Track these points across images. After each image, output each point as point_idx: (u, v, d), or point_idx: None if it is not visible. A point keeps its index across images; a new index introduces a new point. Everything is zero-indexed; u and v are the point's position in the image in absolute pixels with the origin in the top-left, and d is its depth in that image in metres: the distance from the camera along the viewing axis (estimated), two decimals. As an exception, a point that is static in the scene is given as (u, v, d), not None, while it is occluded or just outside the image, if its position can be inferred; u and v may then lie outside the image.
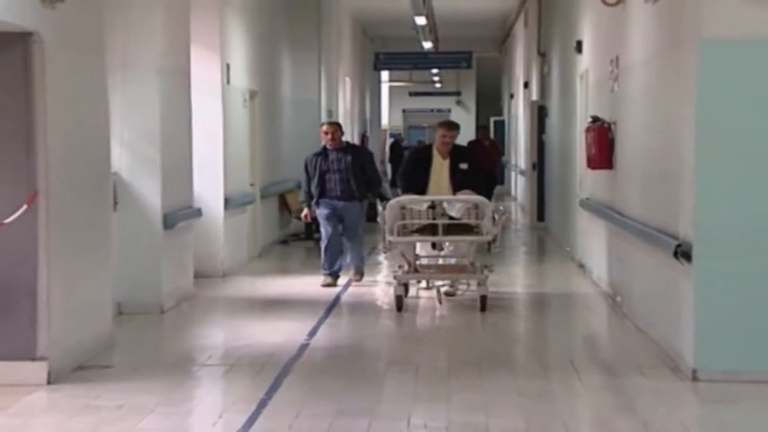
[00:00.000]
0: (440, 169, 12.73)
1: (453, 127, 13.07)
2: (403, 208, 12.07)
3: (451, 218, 11.97)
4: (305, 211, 14.92)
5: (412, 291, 12.86)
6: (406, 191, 12.76)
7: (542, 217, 23.54)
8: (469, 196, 12.20)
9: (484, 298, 12.04)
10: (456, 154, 12.97)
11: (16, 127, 8.74)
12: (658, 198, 10.51)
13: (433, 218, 12.02)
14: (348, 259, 14.73)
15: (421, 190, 12.61)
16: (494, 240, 12.19)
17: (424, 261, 12.96)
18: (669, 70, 10.06)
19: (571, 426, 8.14)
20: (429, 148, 13.08)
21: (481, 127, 29.66)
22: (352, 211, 14.38)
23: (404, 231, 12.04)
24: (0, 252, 8.64)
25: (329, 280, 14.25)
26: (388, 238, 12.11)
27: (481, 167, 13.76)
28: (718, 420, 7.94)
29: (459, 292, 12.98)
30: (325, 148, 14.46)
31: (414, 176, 12.84)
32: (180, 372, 9.81)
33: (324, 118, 22.90)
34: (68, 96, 9.23)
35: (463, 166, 12.76)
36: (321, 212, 14.40)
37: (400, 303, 12.08)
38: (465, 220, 12.02)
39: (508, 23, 33.11)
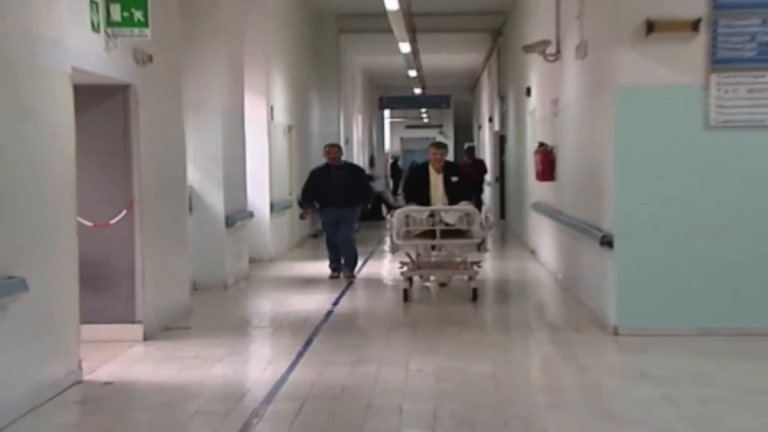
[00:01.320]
0: (436, 181, 11.81)
1: (441, 146, 12.33)
2: (407, 216, 11.04)
3: (447, 225, 11.01)
4: (302, 211, 14.06)
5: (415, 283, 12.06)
6: (408, 201, 11.93)
7: (503, 215, 23.56)
8: (461, 207, 11.36)
9: (475, 290, 11.10)
10: (448, 169, 12.06)
11: (118, 153, 8.79)
12: (588, 201, 10.50)
13: (432, 225, 10.97)
14: (343, 261, 13.35)
15: (423, 199, 11.73)
16: (483, 242, 11.42)
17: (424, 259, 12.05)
18: (594, 108, 10.06)
19: (526, 368, 8.19)
20: (426, 165, 12.13)
21: (466, 150, 29.53)
22: (347, 216, 13.21)
23: (408, 235, 11.14)
24: (107, 245, 8.67)
25: (334, 274, 13.27)
26: (395, 241, 11.18)
27: (469, 180, 12.98)
28: (633, 363, 7.96)
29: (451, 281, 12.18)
30: (327, 164, 13.43)
31: (415, 188, 12.03)
32: (240, 332, 9.85)
33: (343, 146, 22.97)
34: (155, 130, 9.27)
35: (454, 179, 11.89)
36: (324, 219, 13.47)
37: (406, 295, 11.11)
38: (458, 227, 11.06)
39: (476, 74, 33.10)
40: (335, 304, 11.21)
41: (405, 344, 8.95)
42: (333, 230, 13.26)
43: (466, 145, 34.01)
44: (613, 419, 6.40)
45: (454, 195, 11.66)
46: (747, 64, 8.75)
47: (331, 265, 13.37)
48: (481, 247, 11.27)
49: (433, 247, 11.85)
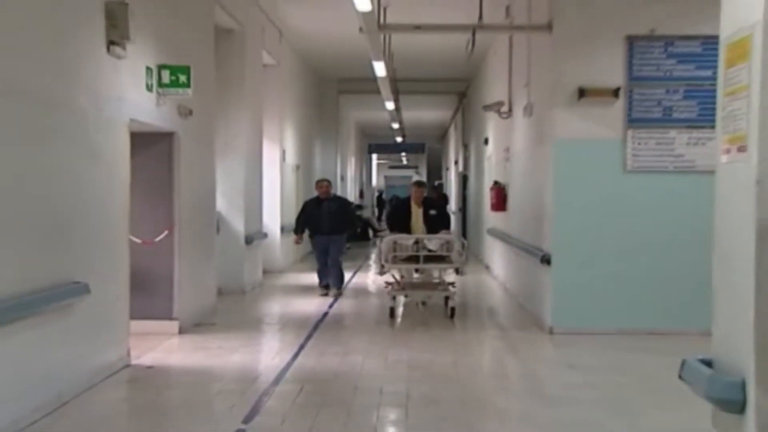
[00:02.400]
0: (417, 214, 10.85)
1: (422, 185, 11.48)
2: (395, 242, 10.18)
3: (430, 251, 10.21)
4: (295, 238, 12.47)
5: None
6: (392, 230, 10.98)
7: (465, 238, 23.41)
8: (443, 235, 10.63)
9: (453, 309, 10.15)
10: (427, 203, 11.09)
11: (162, 185, 8.83)
12: (531, 228, 10.56)
13: (417, 251, 10.10)
14: (331, 280, 12.26)
15: (405, 229, 10.80)
16: (461, 266, 10.32)
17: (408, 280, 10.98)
18: (537, 155, 10.14)
19: (480, 359, 8.22)
20: (408, 199, 11.12)
21: (433, 187, 29.72)
22: (336, 243, 12.03)
23: (395, 259, 10.21)
24: (152, 258, 8.69)
25: (323, 291, 12.14)
26: (384, 264, 10.12)
27: (443, 213, 11.46)
28: (564, 355, 8.04)
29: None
30: (318, 197, 12.18)
31: (399, 220, 11.00)
32: (254, 328, 9.88)
33: (339, 183, 23.02)
34: (192, 168, 9.33)
35: (432, 212, 10.90)
36: (315, 245, 12.22)
37: (392, 313, 10.19)
38: (439, 252, 10.29)
39: (445, 126, 33.18)
40: (330, 307, 11.19)
41: (385, 340, 8.96)
42: (323, 255, 12.13)
43: (436, 183, 34.16)
44: (547, 399, 6.47)
45: (432, 225, 10.82)
46: (655, 123, 8.88)
47: (320, 284, 12.31)
48: (459, 270, 10.42)
49: (416, 270, 10.83)
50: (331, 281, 12.26)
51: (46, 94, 5.87)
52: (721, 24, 3.33)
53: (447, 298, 10.45)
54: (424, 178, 47.15)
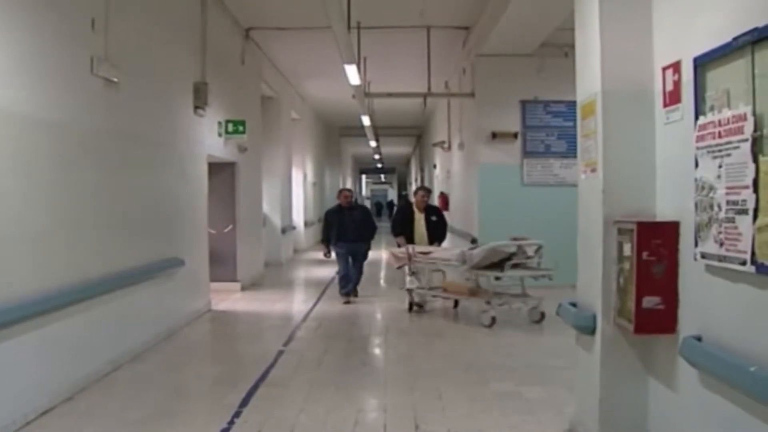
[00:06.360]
0: (419, 219, 7.85)
1: (428, 190, 8.17)
2: (493, 249, 6.39)
3: (528, 257, 6.46)
4: (325, 250, 8.09)
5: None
6: (397, 235, 7.91)
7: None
8: (535, 240, 6.61)
9: (542, 314, 6.36)
10: (429, 210, 7.96)
11: (228, 196, 8.77)
12: (464, 220, 10.48)
13: (513, 255, 6.39)
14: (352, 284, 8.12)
15: (409, 233, 7.80)
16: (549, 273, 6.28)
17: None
18: (468, 175, 10.12)
19: (434, 304, 8.01)
20: (411, 205, 8.04)
21: (400, 195, 29.55)
22: (360, 249, 8.03)
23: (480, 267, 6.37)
24: (223, 242, 8.64)
25: (346, 299, 8.00)
26: (473, 268, 6.42)
27: (443, 219, 8.15)
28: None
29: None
30: (340, 205, 8.08)
31: (404, 225, 7.86)
32: (288, 286, 9.77)
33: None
34: (247, 185, 9.19)
35: (434, 218, 7.89)
36: (338, 251, 7.98)
37: (411, 307, 7.24)
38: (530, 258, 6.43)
39: (408, 156, 32.99)
40: (338, 273, 11.05)
41: (374, 294, 8.85)
42: (346, 263, 8.05)
43: (403, 192, 34.03)
44: (478, 327, 6.43)
45: (433, 231, 7.87)
46: (540, 154, 8.93)
47: (342, 291, 8.11)
48: (550, 277, 6.28)
49: (497, 278, 6.53)
50: (351, 284, 8.13)
51: (160, 140, 5.92)
52: (577, 92, 3.43)
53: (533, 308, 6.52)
54: (394, 190, 46.68)
